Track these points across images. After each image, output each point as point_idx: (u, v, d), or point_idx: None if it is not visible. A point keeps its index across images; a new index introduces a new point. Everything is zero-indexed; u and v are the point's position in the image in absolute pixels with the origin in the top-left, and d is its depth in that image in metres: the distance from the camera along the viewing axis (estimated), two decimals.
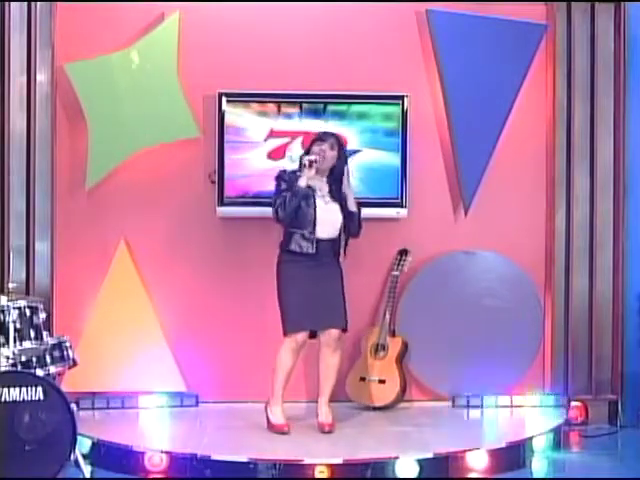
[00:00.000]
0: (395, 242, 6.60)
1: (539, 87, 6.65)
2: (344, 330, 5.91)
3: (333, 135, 5.99)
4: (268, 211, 5.87)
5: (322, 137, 5.93)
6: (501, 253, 6.61)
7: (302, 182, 5.78)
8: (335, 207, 5.88)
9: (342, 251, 5.92)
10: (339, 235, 5.89)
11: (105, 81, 6.40)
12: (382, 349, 6.47)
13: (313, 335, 5.90)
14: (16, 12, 6.31)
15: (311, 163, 5.77)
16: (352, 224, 5.94)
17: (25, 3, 6.32)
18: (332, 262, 5.90)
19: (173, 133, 6.49)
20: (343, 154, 5.96)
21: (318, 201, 5.83)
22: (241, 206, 6.42)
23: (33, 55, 6.33)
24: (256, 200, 6.36)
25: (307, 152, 5.92)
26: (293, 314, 5.82)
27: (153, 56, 6.43)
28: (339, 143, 5.95)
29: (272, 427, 5.87)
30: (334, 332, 5.85)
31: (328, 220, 5.85)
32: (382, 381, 6.43)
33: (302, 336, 5.83)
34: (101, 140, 6.41)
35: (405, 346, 6.50)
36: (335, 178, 5.91)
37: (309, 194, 5.80)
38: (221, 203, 6.45)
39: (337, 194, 5.89)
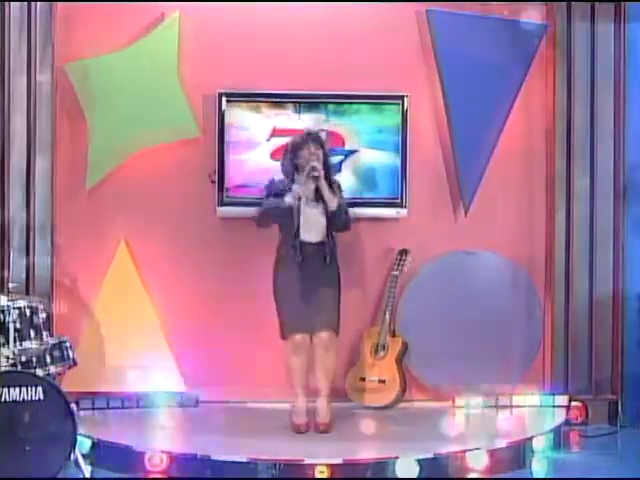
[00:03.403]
0: (395, 242, 6.60)
1: (539, 87, 6.66)
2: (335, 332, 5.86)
3: (317, 134, 5.93)
4: None
5: (309, 140, 5.85)
6: (501, 253, 6.61)
7: (289, 199, 5.74)
8: (319, 210, 5.83)
9: (330, 252, 5.84)
10: (328, 238, 5.86)
11: (105, 81, 6.41)
12: (382, 349, 6.46)
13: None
14: (16, 12, 6.31)
15: (319, 175, 5.73)
16: (337, 220, 5.85)
17: (25, 3, 6.31)
18: (325, 266, 5.84)
19: (173, 133, 6.49)
20: (328, 152, 5.91)
21: (303, 207, 5.78)
22: (241, 206, 6.42)
23: (33, 55, 6.32)
24: (256, 200, 6.33)
25: (294, 154, 5.85)
26: (287, 317, 5.84)
27: (153, 56, 6.43)
28: (322, 142, 5.88)
29: (291, 425, 5.88)
30: (324, 334, 5.82)
31: (312, 224, 5.81)
32: (382, 381, 6.42)
33: (299, 337, 5.81)
34: (101, 140, 6.42)
35: (405, 346, 6.50)
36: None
37: (292, 207, 5.74)
38: (221, 203, 6.45)
39: (321, 195, 5.83)
